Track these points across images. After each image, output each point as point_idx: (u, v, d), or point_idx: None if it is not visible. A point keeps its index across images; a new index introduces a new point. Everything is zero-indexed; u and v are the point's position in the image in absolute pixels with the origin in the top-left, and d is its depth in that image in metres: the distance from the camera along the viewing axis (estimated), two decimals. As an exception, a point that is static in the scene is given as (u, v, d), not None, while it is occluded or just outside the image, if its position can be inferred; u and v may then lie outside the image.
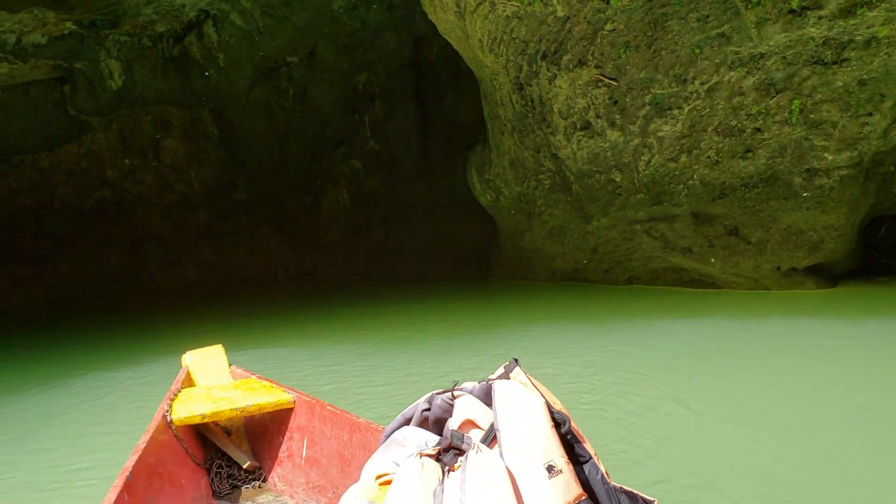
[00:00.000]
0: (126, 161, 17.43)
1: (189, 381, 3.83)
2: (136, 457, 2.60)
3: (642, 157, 9.81)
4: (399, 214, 17.18)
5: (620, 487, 1.72)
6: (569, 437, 1.71)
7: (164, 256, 18.82)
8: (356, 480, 2.65)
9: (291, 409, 3.38)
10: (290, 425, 3.35)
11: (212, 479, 3.28)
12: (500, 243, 13.41)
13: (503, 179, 11.32)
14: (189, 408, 3.30)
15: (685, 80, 8.98)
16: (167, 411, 3.26)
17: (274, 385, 3.57)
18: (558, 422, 1.72)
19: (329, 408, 3.17)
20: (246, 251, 18.78)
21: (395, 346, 8.65)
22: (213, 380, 3.85)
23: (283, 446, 3.34)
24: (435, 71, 16.38)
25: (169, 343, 10.74)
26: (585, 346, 7.57)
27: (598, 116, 9.86)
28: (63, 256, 18.63)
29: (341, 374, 7.29)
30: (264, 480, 3.33)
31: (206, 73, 15.45)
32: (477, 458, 1.56)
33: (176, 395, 3.46)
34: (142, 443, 2.78)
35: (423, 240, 16.76)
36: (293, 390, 3.46)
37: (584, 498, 1.61)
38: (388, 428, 2.00)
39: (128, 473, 2.43)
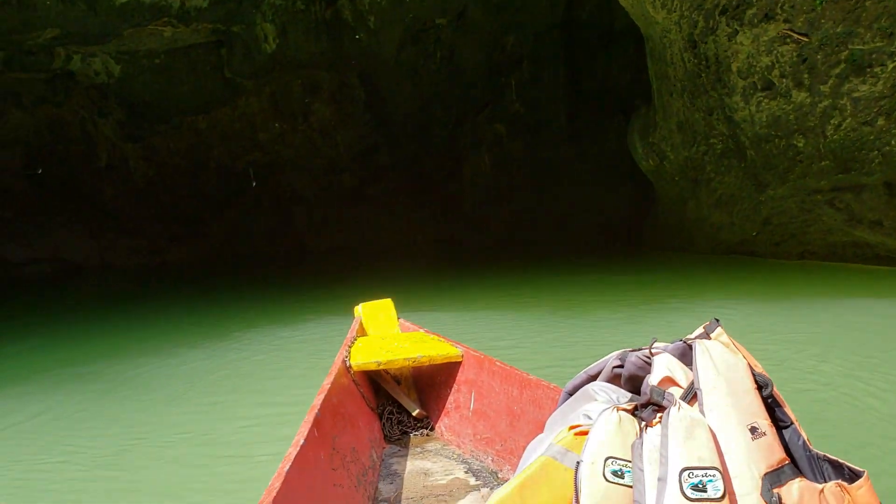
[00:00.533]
0: (276, 124, 17.85)
1: (362, 331, 4.04)
2: (321, 396, 2.75)
3: (831, 121, 8.95)
4: (543, 181, 16.77)
5: (824, 455, 1.66)
6: (770, 400, 1.66)
7: (311, 219, 19.27)
8: (526, 435, 2.69)
9: (459, 363, 3.48)
10: (457, 378, 3.45)
11: (383, 424, 3.42)
12: (656, 212, 12.78)
13: (669, 143, 10.69)
14: (365, 355, 3.48)
15: (892, 33, 8.06)
16: (346, 357, 3.46)
17: (442, 339, 3.69)
18: (760, 384, 1.67)
19: (498, 363, 3.21)
20: (387, 216, 18.93)
21: (556, 317, 8.33)
22: (383, 331, 4.07)
23: (451, 398, 3.44)
24: (586, 32, 15.74)
25: (321, 304, 10.88)
26: (770, 324, 6.98)
27: (782, 76, 9.07)
28: (216, 216, 19.43)
29: (504, 342, 7.03)
30: (432, 429, 3.44)
31: (357, 37, 15.49)
32: (678, 415, 1.52)
33: (353, 344, 3.67)
34: (326, 384, 2.93)
35: (567, 208, 16.31)
36: (461, 345, 3.55)
37: (787, 463, 1.56)
38: (570, 384, 2.00)
39: (316, 411, 2.56)
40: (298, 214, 19.28)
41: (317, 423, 2.51)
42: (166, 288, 15.91)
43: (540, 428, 2.17)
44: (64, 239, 18.87)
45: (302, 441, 2.27)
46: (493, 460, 2.98)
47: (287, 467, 2.03)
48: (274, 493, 1.86)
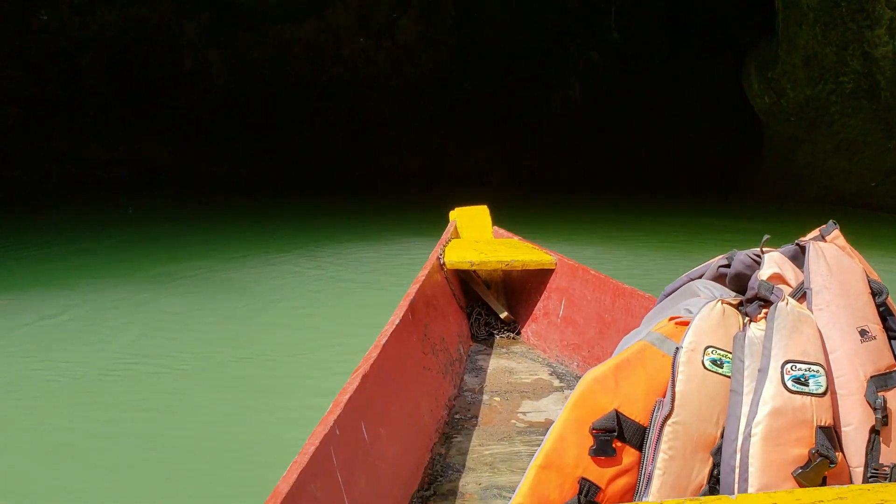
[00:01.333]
0: (361, 40, 17.30)
1: (456, 235, 4.09)
2: (416, 286, 2.82)
3: None
4: (636, 116, 15.93)
5: None
6: (882, 308, 1.61)
7: (388, 142, 18.83)
8: (615, 343, 2.69)
9: (552, 271, 3.50)
10: (548, 285, 3.48)
11: (471, 324, 3.51)
12: (761, 156, 11.93)
13: (791, 79, 9.83)
14: (459, 255, 3.55)
15: None
16: (441, 255, 3.51)
17: (536, 247, 3.72)
18: (875, 291, 1.62)
19: (592, 272, 3.23)
20: (466, 143, 18.36)
21: (639, 256, 7.80)
22: (477, 236, 4.15)
23: (540, 304, 3.48)
24: (698, -43, 14.63)
25: (398, 227, 10.54)
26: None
27: (938, 8, 8.12)
28: (293, 132, 19.15)
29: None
30: (518, 333, 3.52)
31: (453, -51, 14.72)
32: (786, 309, 1.50)
33: (447, 244, 3.74)
34: (420, 277, 2.99)
35: (661, 147, 15.48)
36: (555, 253, 3.57)
37: (895, 368, 1.53)
38: (669, 287, 1.96)
39: (411, 297, 2.64)
40: (375, 137, 18.85)
41: (411, 307, 2.57)
42: (241, 199, 15.80)
43: None
44: (143, 144, 18.90)
45: (397, 321, 2.33)
46: (578, 365, 3.02)
47: (384, 341, 2.09)
48: (371, 361, 1.92)
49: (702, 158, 14.48)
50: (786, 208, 10.84)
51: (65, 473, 3.04)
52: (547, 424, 2.43)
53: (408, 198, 16.04)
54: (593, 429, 1.44)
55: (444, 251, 3.58)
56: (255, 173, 19.54)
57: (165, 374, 4.13)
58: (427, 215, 12.26)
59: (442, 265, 3.47)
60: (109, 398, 3.83)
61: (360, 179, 18.51)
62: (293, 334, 4.94)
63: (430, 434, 2.33)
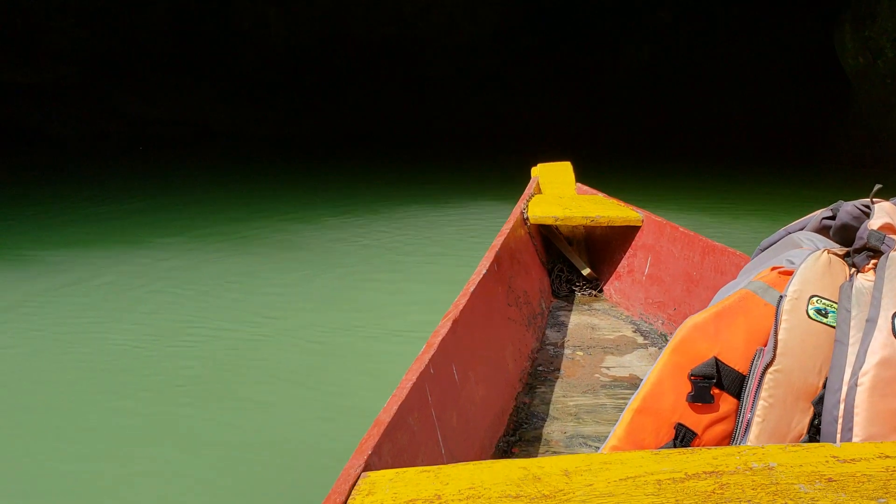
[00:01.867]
0: (420, -3, 16.80)
1: (538, 191, 4.03)
2: (501, 239, 2.82)
3: None
4: (710, 78, 15.16)
5: None
6: None
7: (444, 101, 18.39)
8: (703, 300, 2.67)
9: (638, 228, 3.43)
10: (634, 243, 3.42)
11: (552, 280, 3.48)
12: (847, 121, 11.18)
13: (890, 38, 9.08)
14: (543, 209, 3.49)
15: None
16: (524, 210, 3.48)
17: (622, 203, 3.63)
18: None
19: (681, 229, 3.14)
20: (525, 103, 17.82)
21: (710, 221, 7.38)
22: (560, 191, 4.04)
23: (624, 262, 3.43)
24: None
25: (455, 188, 10.18)
26: None
27: None
28: (348, 90, 18.83)
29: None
30: (600, 290, 3.48)
31: None
32: None
33: (530, 199, 3.70)
34: (504, 230, 2.98)
35: (737, 110, 14.73)
36: (641, 210, 3.49)
37: None
38: (766, 241, 1.90)
39: (497, 250, 2.65)
40: (430, 96, 18.41)
41: (497, 259, 2.59)
42: (296, 158, 15.60)
43: None
44: (200, 102, 18.80)
45: (484, 271, 2.36)
46: (663, 323, 2.99)
47: (472, 289, 2.13)
48: (460, 307, 1.97)
49: (780, 123, 13.72)
50: (871, 176, 10.16)
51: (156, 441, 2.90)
52: (632, 379, 2.48)
53: (465, 158, 15.65)
54: (692, 375, 1.44)
55: (527, 206, 3.55)
56: (309, 132, 19.33)
57: (261, 339, 4.03)
58: (487, 175, 11.89)
59: (525, 220, 3.44)
60: (178, 364, 3.66)
61: (416, 139, 18.15)
62: (373, 297, 4.84)
63: (514, 383, 2.38)
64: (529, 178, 4.26)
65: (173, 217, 7.84)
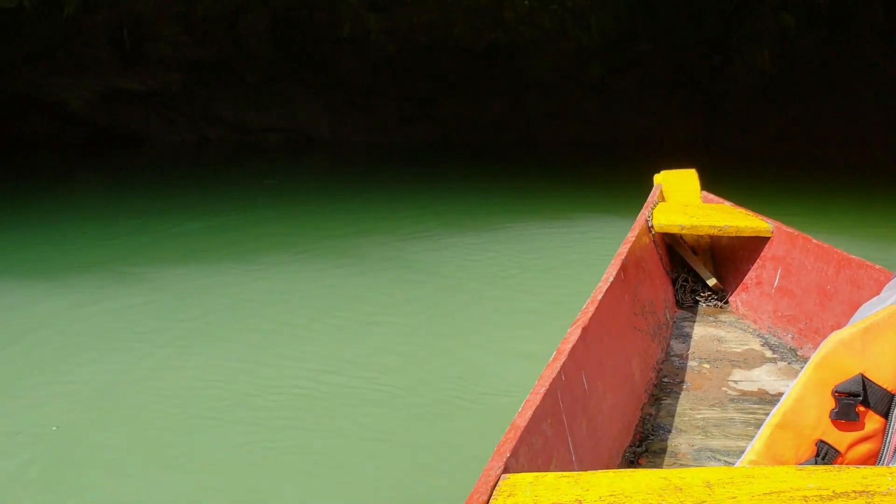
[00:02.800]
0: (525, 2, 16.33)
1: (662, 198, 3.89)
2: (626, 247, 2.76)
3: None
4: (835, 84, 14.27)
5: None
6: None
7: (547, 108, 17.89)
8: (837, 315, 2.61)
9: (767, 239, 3.31)
10: (763, 254, 3.31)
11: (676, 289, 3.38)
12: None
13: None
14: (668, 218, 3.38)
15: None
16: (649, 217, 3.38)
17: (750, 213, 3.51)
18: None
19: (814, 241, 3.05)
20: (634, 111, 17.18)
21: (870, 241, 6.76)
22: (685, 200, 3.91)
23: (752, 273, 3.32)
24: None
25: (563, 201, 9.75)
26: None
27: None
28: (449, 98, 18.52)
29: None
30: (726, 302, 3.37)
31: None
32: None
33: (654, 206, 3.56)
34: (630, 238, 2.92)
35: (861, 117, 13.82)
36: (771, 220, 3.37)
37: None
38: None
39: (623, 257, 2.59)
40: (534, 103, 17.95)
41: (623, 268, 2.54)
42: (396, 168, 15.37)
43: (857, 307, 2.06)
44: (300, 110, 18.77)
45: (611, 279, 2.32)
46: (793, 338, 2.89)
47: (599, 297, 2.11)
48: (589, 315, 1.96)
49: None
50: None
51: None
52: (761, 394, 2.38)
53: (571, 167, 15.18)
54: (836, 391, 1.38)
55: (651, 213, 3.45)
56: (407, 140, 19.11)
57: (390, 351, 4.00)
58: (596, 186, 11.36)
59: (650, 227, 3.35)
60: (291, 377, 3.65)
61: (515, 148, 17.73)
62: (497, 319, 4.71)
63: (640, 394, 2.32)
64: (647, 187, 4.10)
65: (273, 231, 7.61)
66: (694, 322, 3.16)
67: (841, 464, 1.37)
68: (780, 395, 2.26)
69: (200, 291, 5.27)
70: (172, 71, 18.05)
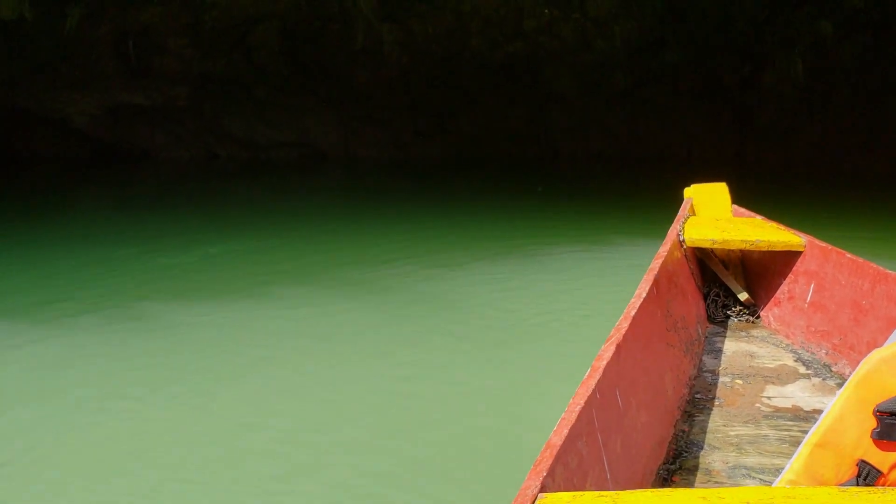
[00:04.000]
0: (546, 11, 15.68)
1: (692, 212, 3.84)
2: (658, 262, 2.73)
3: None
4: (876, 93, 13.55)
5: None
6: None
7: (569, 122, 17.20)
8: (873, 331, 2.64)
9: (800, 253, 3.26)
10: (795, 268, 3.25)
11: (707, 305, 3.33)
12: None
13: None
14: (700, 232, 3.36)
15: None
16: (680, 232, 3.34)
17: (782, 227, 3.45)
18: None
19: (848, 255, 2.98)
20: (659, 123, 16.47)
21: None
22: (716, 214, 3.85)
23: (784, 288, 3.26)
24: None
25: (584, 223, 9.06)
26: None
27: None
28: (466, 112, 17.85)
29: None
30: (757, 317, 3.32)
31: None
32: None
33: (685, 220, 3.51)
34: (661, 252, 2.89)
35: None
36: (804, 234, 3.32)
37: None
38: None
39: (655, 273, 2.57)
40: (555, 116, 17.26)
41: (655, 283, 2.51)
42: (412, 185, 14.69)
43: (893, 324, 2.16)
44: (311, 124, 18.12)
45: (644, 295, 2.30)
46: (827, 353, 2.86)
47: (632, 313, 2.11)
48: (623, 331, 1.96)
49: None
50: None
51: None
52: (795, 411, 2.35)
53: (596, 183, 14.48)
54: (878, 411, 1.35)
55: (683, 228, 3.42)
56: (423, 155, 18.45)
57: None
58: (625, 204, 10.64)
59: (681, 242, 3.33)
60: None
61: (536, 162, 17.05)
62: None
63: (673, 410, 2.29)
64: (677, 205, 3.96)
65: (292, 258, 6.85)
66: (726, 337, 3.13)
67: (883, 485, 1.33)
68: (815, 411, 2.33)
69: (209, 331, 4.59)
70: (179, 85, 17.43)
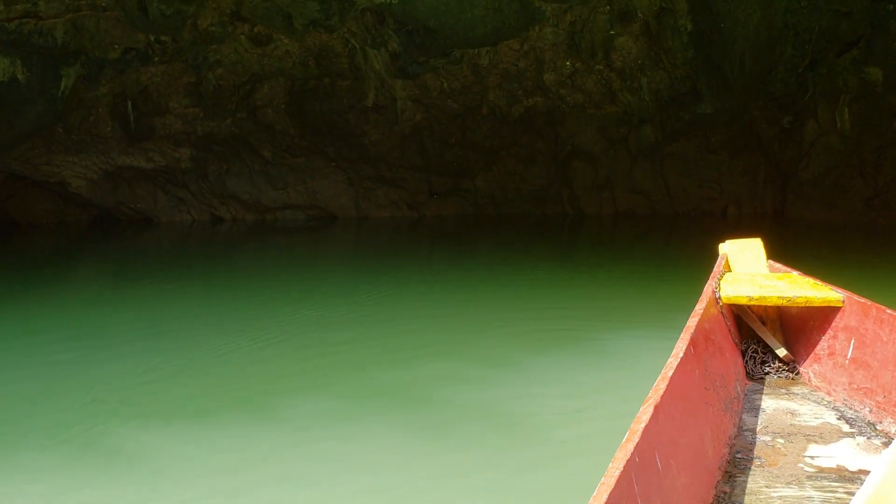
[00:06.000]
0: (568, 63, 14.75)
1: (728, 268, 3.81)
2: (695, 320, 2.71)
3: None
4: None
5: None
6: None
7: (593, 178, 16.14)
8: None
9: (839, 309, 3.17)
10: (834, 324, 3.18)
11: (745, 361, 3.28)
12: None
13: None
14: (736, 289, 3.31)
15: None
16: (716, 288, 3.32)
17: (819, 282, 3.36)
18: None
19: (888, 311, 2.88)
20: (692, 179, 15.37)
21: None
22: (751, 269, 3.78)
23: (823, 344, 3.21)
24: None
25: (622, 294, 7.94)
26: None
27: None
28: (483, 169, 16.85)
29: None
30: (797, 374, 3.27)
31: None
32: None
33: (720, 277, 3.51)
34: (698, 310, 2.85)
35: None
36: (842, 290, 3.22)
37: None
38: None
39: (692, 331, 2.54)
40: (579, 172, 16.20)
41: (693, 342, 2.50)
42: (425, 248, 13.58)
43: None
44: (320, 185, 17.16)
45: (681, 354, 2.29)
46: (871, 411, 2.78)
47: (670, 373, 2.10)
48: (661, 392, 1.93)
49: None
50: None
51: None
52: (840, 471, 2.28)
53: (623, 243, 13.33)
54: None
55: (719, 284, 3.39)
56: (438, 215, 17.41)
57: None
58: (661, 270, 9.48)
59: (718, 299, 3.29)
60: None
61: (558, 222, 15.95)
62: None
63: (714, 471, 2.25)
64: (711, 260, 3.90)
65: (301, 358, 5.66)
66: (765, 394, 3.05)
67: None
68: (861, 472, 2.27)
69: (192, 463, 3.43)
70: (182, 146, 16.57)
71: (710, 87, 13.84)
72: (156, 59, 14.61)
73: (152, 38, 14.26)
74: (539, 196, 16.67)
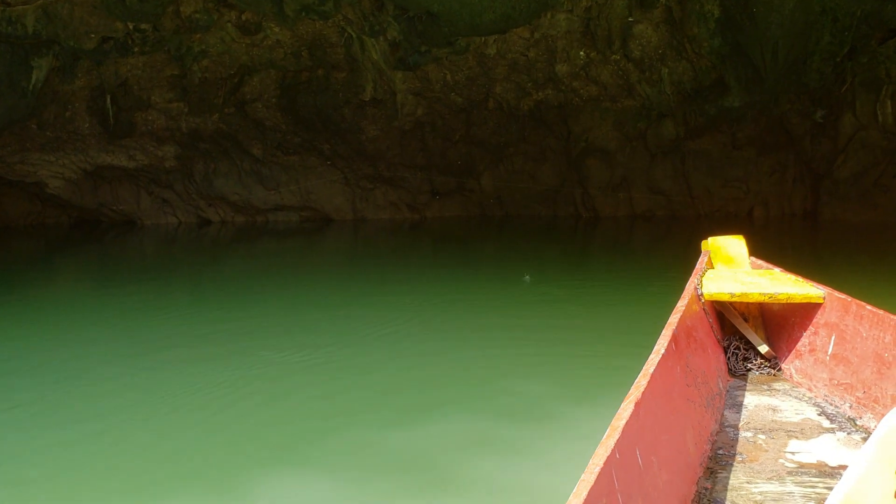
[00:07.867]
0: (582, 52, 13.63)
1: (710, 265, 3.78)
2: (677, 316, 2.68)
3: None
4: None
5: None
6: None
7: (608, 177, 15.03)
8: None
9: (819, 305, 3.22)
10: (815, 320, 3.20)
11: (728, 358, 3.30)
12: None
13: None
14: (718, 285, 3.34)
15: None
16: (698, 285, 3.32)
17: (800, 279, 3.40)
18: None
19: (868, 307, 2.90)
20: (716, 178, 14.28)
21: None
22: (733, 266, 3.81)
23: (804, 340, 3.21)
24: None
25: (643, 307, 6.90)
26: None
27: None
28: (488, 167, 15.75)
29: None
30: (779, 370, 3.26)
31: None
32: None
33: (702, 274, 3.51)
34: (679, 306, 2.85)
35: None
36: (823, 286, 3.26)
37: None
38: None
39: (673, 328, 2.53)
40: (593, 171, 15.11)
41: (674, 338, 2.49)
42: (428, 251, 12.48)
43: None
44: (314, 185, 16.05)
45: (662, 351, 2.28)
46: (851, 407, 2.78)
47: (651, 370, 2.07)
48: (642, 389, 1.92)
49: None
50: None
51: None
52: (820, 467, 2.31)
53: (637, 245, 12.27)
54: None
55: (700, 281, 3.37)
56: (439, 217, 16.32)
57: None
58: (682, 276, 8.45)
59: (699, 296, 3.26)
60: None
61: (570, 224, 14.87)
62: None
63: (695, 467, 2.27)
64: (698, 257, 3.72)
65: (289, 418, 4.52)
66: (747, 391, 3.02)
67: None
68: (841, 467, 2.28)
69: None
70: (166, 144, 15.45)
71: (739, 79, 12.72)
72: (136, 49, 13.47)
73: (131, 27, 13.11)
74: (549, 196, 15.57)
